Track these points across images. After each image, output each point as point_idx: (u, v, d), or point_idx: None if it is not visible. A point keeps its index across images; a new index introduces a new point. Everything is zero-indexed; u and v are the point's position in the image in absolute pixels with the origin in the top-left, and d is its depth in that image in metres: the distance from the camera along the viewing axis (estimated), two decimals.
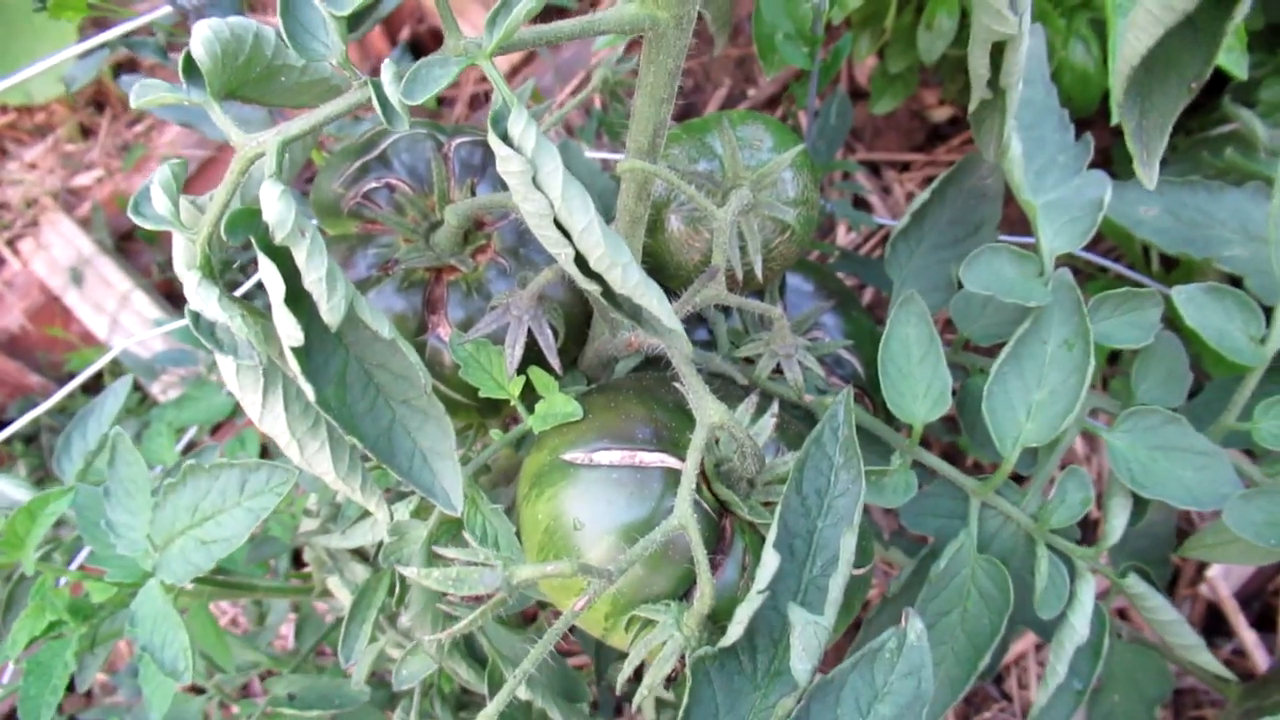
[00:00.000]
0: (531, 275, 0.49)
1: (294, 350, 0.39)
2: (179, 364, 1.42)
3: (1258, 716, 0.71)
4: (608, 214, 0.53)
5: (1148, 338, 0.54)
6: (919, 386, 0.52)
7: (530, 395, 0.50)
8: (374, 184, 0.53)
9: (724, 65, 1.43)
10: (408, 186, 0.53)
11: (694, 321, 0.58)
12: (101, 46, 0.66)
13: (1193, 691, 1.09)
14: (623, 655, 0.42)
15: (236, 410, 1.09)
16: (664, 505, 0.43)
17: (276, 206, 0.37)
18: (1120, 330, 0.54)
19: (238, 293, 0.92)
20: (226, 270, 0.45)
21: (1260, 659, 1.02)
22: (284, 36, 0.39)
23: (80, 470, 0.70)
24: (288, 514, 0.69)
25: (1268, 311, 0.55)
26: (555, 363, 0.47)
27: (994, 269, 0.53)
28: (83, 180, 1.72)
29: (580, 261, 0.39)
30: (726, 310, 0.60)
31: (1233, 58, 0.71)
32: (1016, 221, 0.98)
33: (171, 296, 1.70)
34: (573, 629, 0.42)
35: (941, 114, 1.28)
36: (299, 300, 0.38)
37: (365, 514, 0.56)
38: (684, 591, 0.43)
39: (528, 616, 0.77)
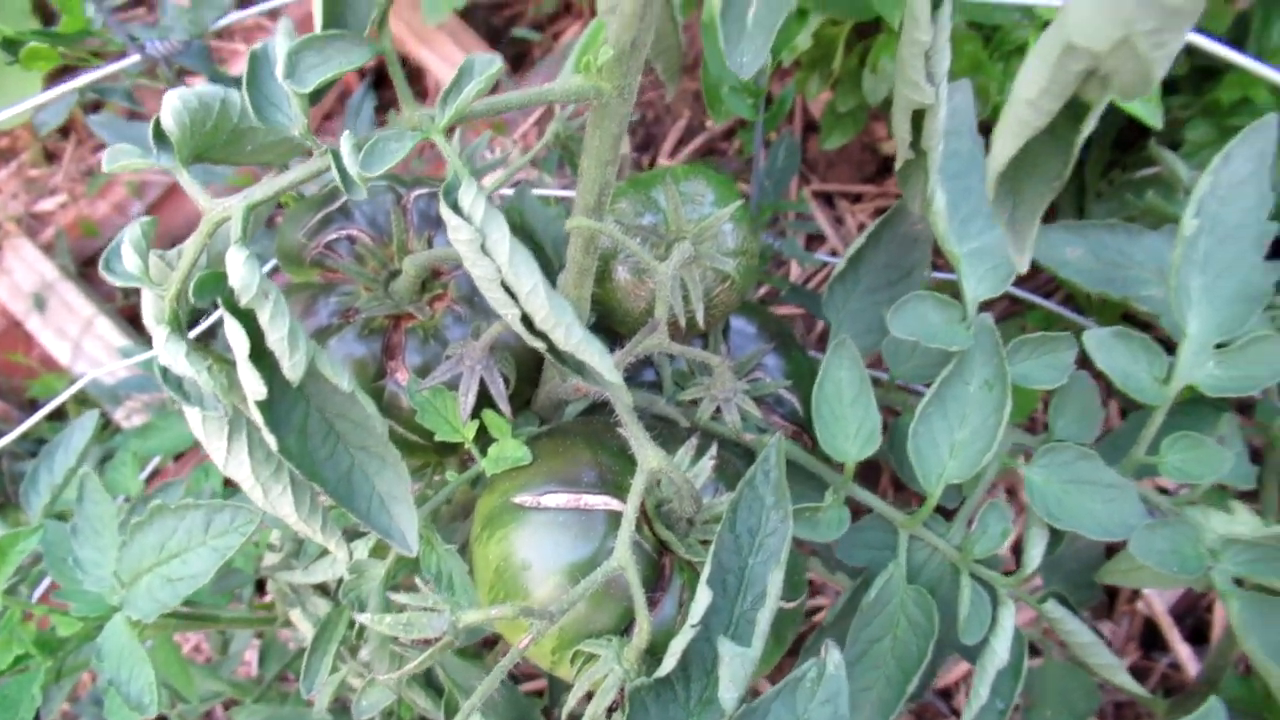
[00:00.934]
0: (485, 323, 0.52)
1: (258, 403, 0.41)
2: (143, 390, 1.43)
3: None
4: (561, 260, 0.56)
5: (1063, 378, 0.58)
6: (850, 427, 0.56)
7: (484, 436, 0.52)
8: (336, 234, 0.56)
9: (683, 97, 1.47)
10: (368, 237, 0.56)
11: (642, 363, 0.61)
12: (71, 91, 0.68)
13: (1132, 704, 1.13)
14: (570, 686, 0.45)
15: None
16: (607, 545, 0.46)
17: (242, 271, 0.39)
18: (1037, 372, 0.58)
19: (205, 323, 0.94)
20: (195, 318, 0.48)
21: (1194, 671, 1.06)
22: (248, 109, 0.42)
23: (46, 504, 0.72)
24: (251, 545, 0.71)
25: (1173, 351, 0.59)
26: (506, 409, 0.50)
27: (919, 315, 0.57)
28: (46, 205, 1.72)
29: (527, 320, 0.42)
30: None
31: (1148, 108, 0.76)
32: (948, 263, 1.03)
33: (135, 321, 1.70)
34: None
35: (892, 147, 1.32)
36: (263, 356, 0.41)
37: (327, 551, 0.58)
38: (625, 626, 0.46)
39: (488, 642, 0.80)
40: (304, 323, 0.56)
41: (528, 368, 0.56)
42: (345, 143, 0.40)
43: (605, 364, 0.42)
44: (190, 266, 0.43)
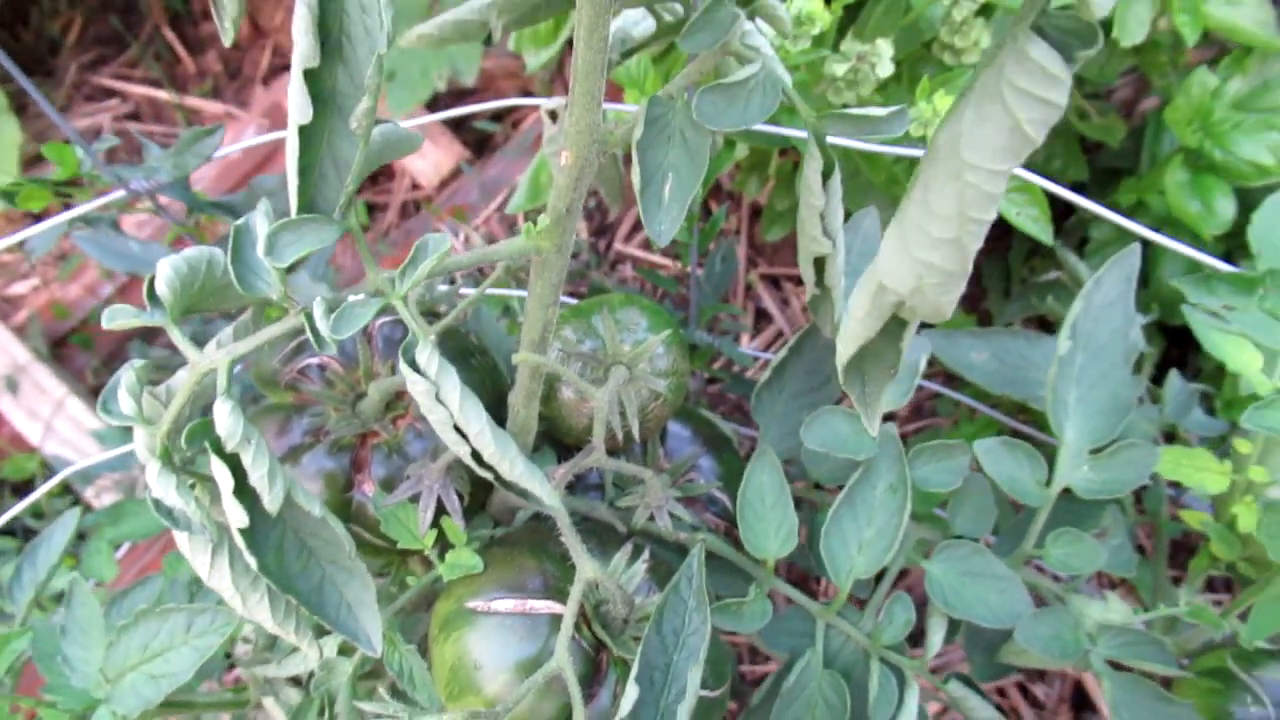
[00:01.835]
0: (443, 444, 0.59)
1: (241, 532, 0.47)
2: (113, 470, 1.47)
3: None
4: (513, 375, 0.63)
5: (958, 481, 0.65)
6: (771, 527, 0.63)
7: (443, 541, 0.59)
8: (307, 361, 0.63)
9: (633, 194, 1.55)
10: (337, 364, 0.63)
11: (588, 470, 0.68)
12: (62, 223, 0.74)
13: None
14: None
15: None
16: (550, 644, 0.52)
17: (227, 421, 0.46)
18: (936, 475, 0.65)
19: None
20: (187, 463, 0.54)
21: None
22: (232, 277, 0.48)
23: (30, 600, 0.76)
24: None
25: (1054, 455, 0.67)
26: (460, 523, 0.57)
27: (830, 428, 0.64)
28: (18, 289, 1.76)
29: (476, 455, 0.48)
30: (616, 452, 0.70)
31: (1038, 227, 0.85)
32: None
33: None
34: None
35: None
36: (244, 490, 0.47)
37: (294, 647, 0.64)
38: (568, 716, 0.52)
39: None
40: (279, 441, 0.62)
41: (482, 480, 0.62)
42: (318, 307, 0.47)
43: (545, 491, 0.49)
44: (180, 409, 0.49)
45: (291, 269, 0.48)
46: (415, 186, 1.77)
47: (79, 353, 1.76)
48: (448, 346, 0.66)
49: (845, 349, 0.35)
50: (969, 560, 0.63)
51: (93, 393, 1.71)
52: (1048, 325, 1.24)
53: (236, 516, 0.47)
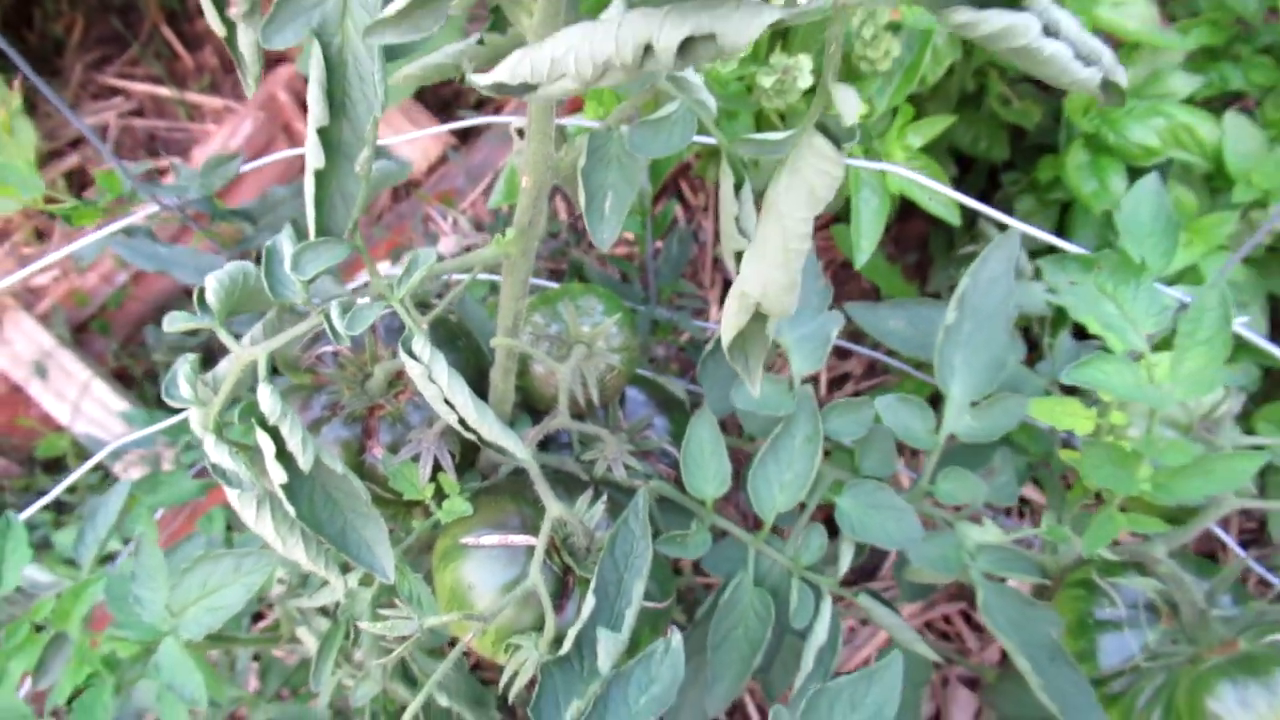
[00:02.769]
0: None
1: (282, 487, 0.61)
2: (139, 447, 1.61)
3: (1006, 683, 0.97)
4: (493, 354, 0.77)
5: (864, 431, 0.79)
6: (709, 473, 0.76)
7: (439, 493, 0.72)
8: (323, 349, 0.76)
9: None
10: (348, 351, 0.76)
11: (558, 431, 0.82)
12: (107, 236, 0.87)
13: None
14: (501, 668, 0.65)
15: (203, 492, 1.29)
16: (527, 569, 0.66)
17: (269, 400, 0.59)
18: (846, 427, 0.79)
19: None
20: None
21: None
22: (265, 287, 0.61)
23: (94, 556, 0.90)
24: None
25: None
26: (453, 476, 0.71)
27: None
28: (41, 280, 1.89)
29: (462, 421, 0.62)
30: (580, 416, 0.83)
31: (947, 210, 0.98)
32: None
33: (124, 379, 1.88)
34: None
35: None
36: (284, 454, 0.61)
37: (327, 582, 0.77)
38: (541, 624, 0.66)
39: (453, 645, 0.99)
40: (302, 415, 0.75)
41: (471, 442, 0.76)
42: (334, 310, 0.60)
43: (517, 448, 0.63)
44: (229, 392, 0.63)
45: (310, 279, 0.61)
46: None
47: (98, 337, 1.89)
48: (437, 333, 0.79)
49: (726, 334, 0.48)
50: (873, 495, 0.77)
51: (114, 375, 1.84)
52: None
53: (278, 475, 0.61)
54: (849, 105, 0.35)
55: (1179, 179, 1.07)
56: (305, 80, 0.57)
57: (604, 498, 0.71)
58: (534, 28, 0.53)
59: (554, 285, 1.07)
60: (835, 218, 1.40)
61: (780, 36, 0.93)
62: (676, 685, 0.59)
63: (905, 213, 1.42)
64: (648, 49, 0.33)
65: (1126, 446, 0.70)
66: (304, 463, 0.61)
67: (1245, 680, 0.71)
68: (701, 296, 1.34)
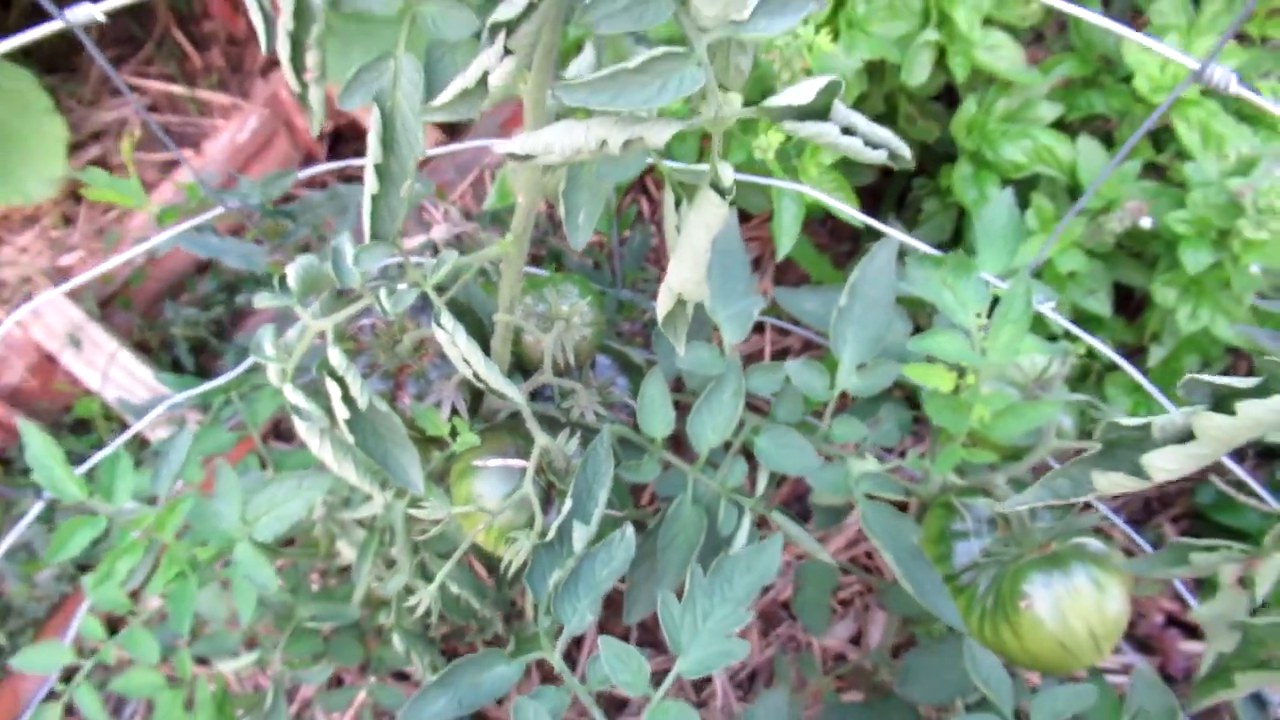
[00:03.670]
0: (452, 370, 0.96)
1: (345, 421, 0.84)
2: (168, 410, 1.82)
3: (894, 587, 1.22)
4: (492, 327, 1.00)
5: (777, 388, 1.04)
6: (658, 418, 1.01)
7: (454, 431, 0.96)
8: (363, 322, 0.99)
9: None
10: (383, 323, 0.99)
11: (543, 387, 1.06)
12: (181, 232, 1.09)
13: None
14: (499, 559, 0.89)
15: (233, 445, 1.51)
16: (521, 484, 0.90)
17: (337, 358, 0.82)
18: (763, 385, 1.04)
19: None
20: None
21: None
22: (333, 275, 0.84)
23: (170, 485, 1.13)
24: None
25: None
26: (466, 418, 0.94)
27: (695, 355, 1.02)
28: (67, 260, 2.09)
29: (475, 375, 0.85)
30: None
31: (848, 206, 1.22)
32: None
33: (145, 349, 2.09)
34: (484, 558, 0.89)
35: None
36: (347, 397, 0.84)
37: (366, 498, 1.01)
38: (531, 523, 0.90)
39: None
40: None
41: (479, 394, 1.00)
42: (383, 293, 0.84)
43: (515, 395, 0.87)
44: (300, 355, 0.86)
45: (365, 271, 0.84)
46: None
47: (120, 312, 2.10)
48: (449, 309, 1.02)
49: (660, 314, 0.73)
50: (783, 436, 1.02)
51: (138, 346, 2.05)
52: None
53: (343, 412, 0.84)
54: (727, 175, 0.59)
55: (1044, 190, 1.32)
56: None
57: (578, 435, 0.96)
58: (529, 91, 0.77)
59: (538, 270, 1.32)
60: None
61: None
62: (628, 562, 0.83)
63: None
64: (603, 144, 0.57)
65: (963, 399, 0.95)
66: (362, 404, 0.84)
67: (1050, 570, 0.97)
68: (660, 280, 1.58)
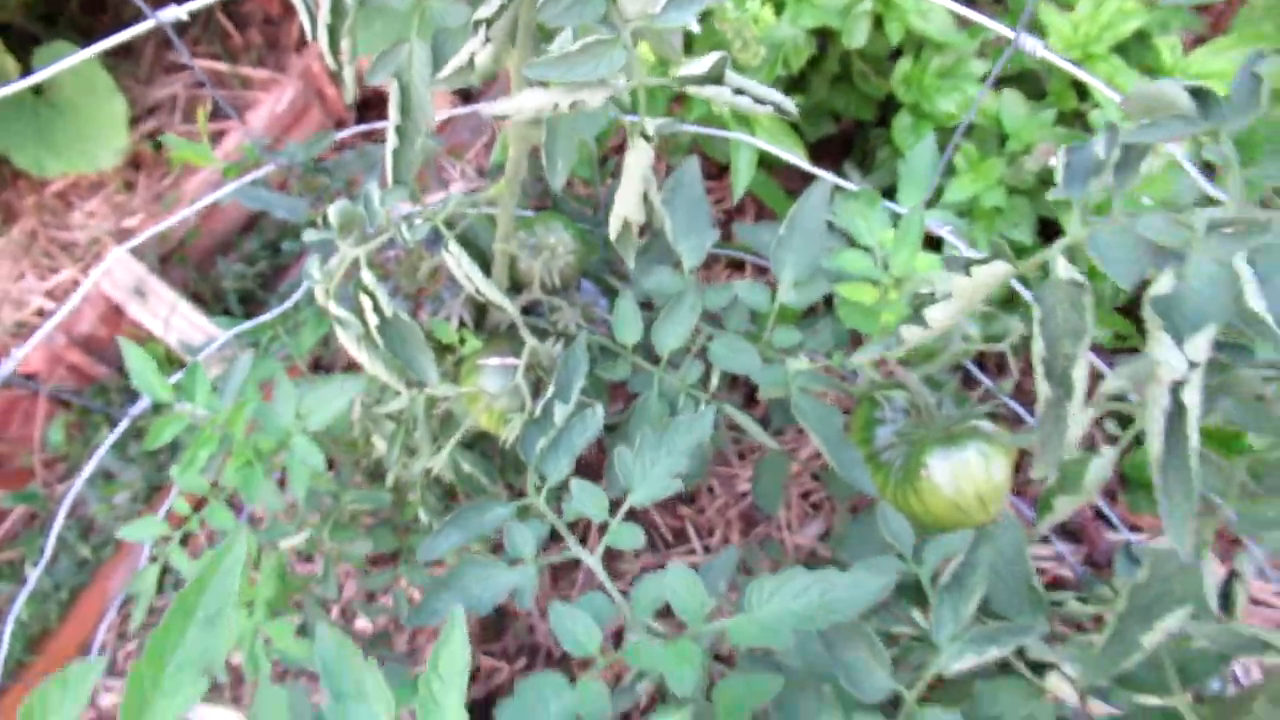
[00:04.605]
0: (460, 291, 1.19)
1: (376, 327, 1.08)
2: (220, 350, 2.07)
3: (831, 472, 1.45)
4: (491, 255, 1.24)
5: (728, 303, 1.26)
6: (629, 328, 1.24)
7: (462, 339, 1.20)
8: (388, 253, 1.23)
9: None
10: (404, 252, 1.23)
11: (535, 303, 1.29)
12: (242, 186, 1.33)
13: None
14: (496, 438, 1.13)
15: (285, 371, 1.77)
16: (516, 377, 1.14)
17: (368, 278, 1.06)
18: (717, 300, 1.26)
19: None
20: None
21: None
22: (364, 214, 1.08)
23: (235, 396, 1.38)
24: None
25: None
26: (471, 327, 1.18)
27: (659, 278, 1.25)
28: (130, 223, 2.35)
29: (478, 292, 1.09)
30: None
31: (795, 153, 1.43)
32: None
33: (200, 300, 2.35)
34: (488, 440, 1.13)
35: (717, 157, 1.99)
36: (377, 308, 1.08)
37: (394, 394, 1.26)
38: (524, 407, 1.14)
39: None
40: None
41: (482, 309, 1.24)
42: (403, 224, 1.07)
43: (508, 305, 1.10)
44: (340, 278, 1.10)
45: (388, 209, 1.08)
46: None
47: (177, 267, 2.35)
48: (459, 240, 1.26)
49: (612, 234, 0.95)
50: (732, 342, 1.25)
51: (193, 297, 2.31)
52: None
53: (374, 320, 1.08)
54: (650, 127, 0.82)
55: (974, 138, 1.53)
56: None
57: (562, 341, 1.19)
58: (514, 65, 0.99)
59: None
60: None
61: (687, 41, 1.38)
62: (598, 432, 1.07)
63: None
64: (556, 105, 0.80)
65: (873, 307, 1.17)
66: (389, 313, 1.08)
67: (948, 445, 1.19)
68: None
